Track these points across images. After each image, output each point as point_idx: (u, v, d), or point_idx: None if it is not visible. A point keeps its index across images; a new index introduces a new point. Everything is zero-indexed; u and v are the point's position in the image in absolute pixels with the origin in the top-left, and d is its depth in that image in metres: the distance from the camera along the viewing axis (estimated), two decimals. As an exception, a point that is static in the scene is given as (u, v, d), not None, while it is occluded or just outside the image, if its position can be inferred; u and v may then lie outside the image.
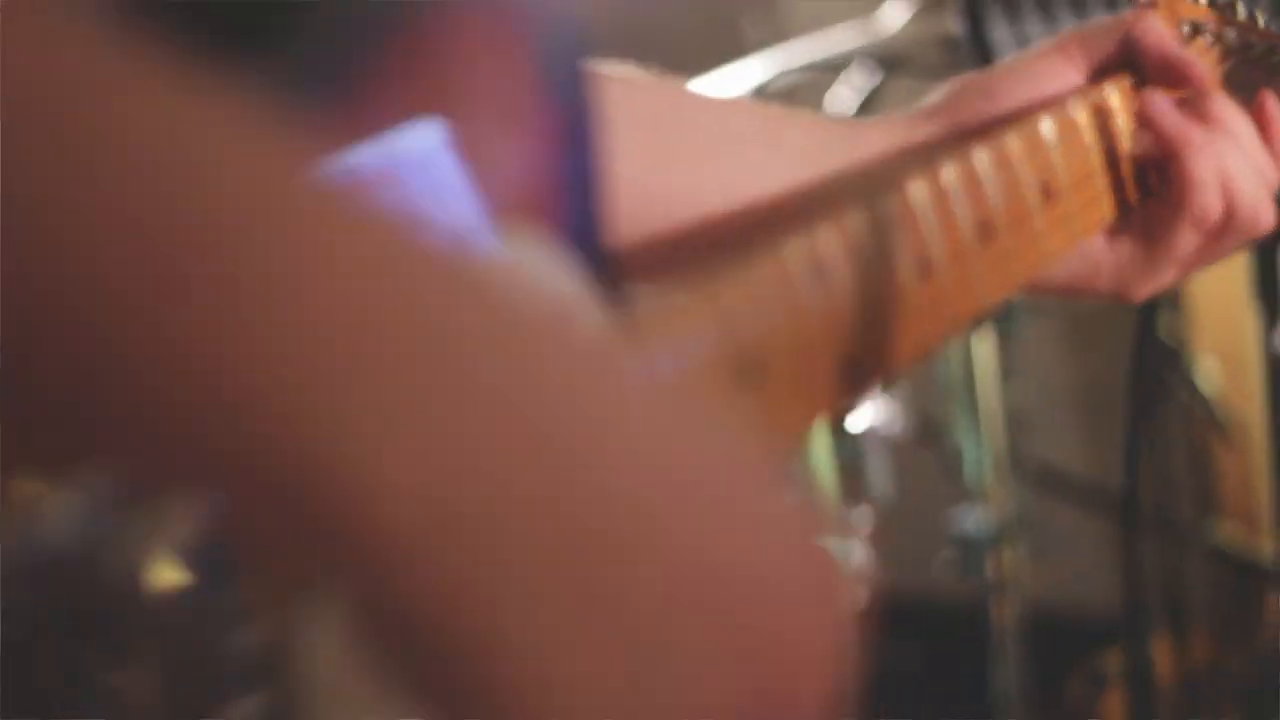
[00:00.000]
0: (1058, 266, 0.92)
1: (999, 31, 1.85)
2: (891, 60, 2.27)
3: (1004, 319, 2.17)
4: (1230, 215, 0.92)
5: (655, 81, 0.92)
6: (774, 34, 2.83)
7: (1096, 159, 0.91)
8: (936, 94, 0.96)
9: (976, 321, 0.87)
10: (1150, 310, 1.96)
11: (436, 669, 0.40)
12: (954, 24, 2.05)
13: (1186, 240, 0.93)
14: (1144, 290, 0.96)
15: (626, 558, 0.41)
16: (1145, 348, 1.94)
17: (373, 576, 0.39)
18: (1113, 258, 0.95)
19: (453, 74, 0.59)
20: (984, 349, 2.16)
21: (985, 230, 0.80)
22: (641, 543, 0.42)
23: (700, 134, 0.90)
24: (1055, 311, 2.39)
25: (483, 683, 0.40)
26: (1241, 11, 1.05)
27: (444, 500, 0.39)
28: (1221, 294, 3.02)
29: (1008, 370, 2.20)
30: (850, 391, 0.72)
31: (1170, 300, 2.95)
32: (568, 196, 0.64)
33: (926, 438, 2.33)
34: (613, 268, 0.66)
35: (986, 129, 0.88)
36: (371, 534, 0.38)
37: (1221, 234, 0.93)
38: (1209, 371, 2.47)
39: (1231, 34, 1.03)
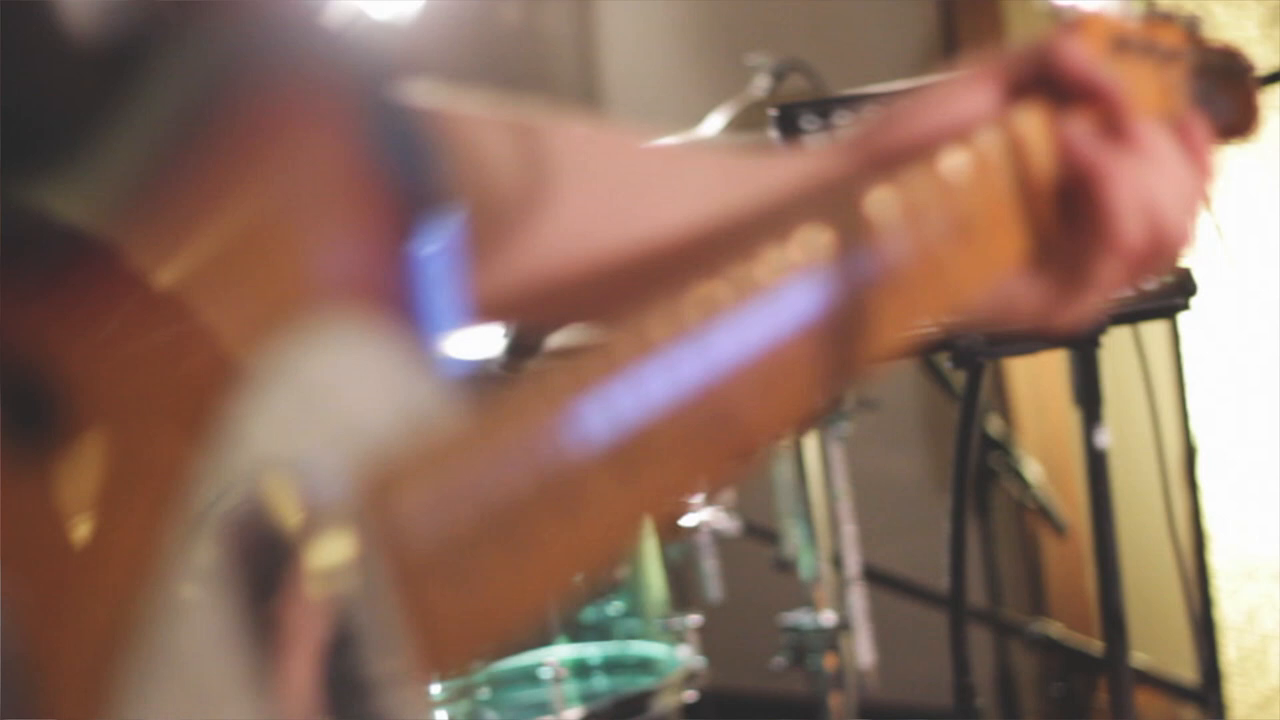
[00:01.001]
0: (975, 299, 0.87)
1: (814, 139, 1.90)
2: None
3: (832, 416, 2.20)
4: (1153, 240, 0.88)
5: (562, 125, 0.88)
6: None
7: (1011, 188, 0.86)
8: (853, 125, 0.91)
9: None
10: (970, 409, 2.00)
11: None
12: (770, 136, 2.10)
13: (1108, 268, 0.89)
14: (1068, 317, 0.91)
15: None
16: (966, 445, 1.98)
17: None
18: (1034, 287, 0.90)
19: (286, 158, 0.60)
20: (813, 447, 2.19)
21: (893, 277, 0.77)
22: None
23: (600, 176, 0.87)
24: (883, 408, 2.42)
25: None
26: (1180, 23, 1.01)
27: None
28: (1043, 396, 3.10)
29: (838, 468, 2.22)
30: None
31: (997, 403, 3.02)
32: (414, 269, 0.64)
33: (757, 537, 2.34)
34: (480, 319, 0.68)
35: (900, 159, 0.84)
36: None
37: (1145, 259, 0.89)
38: (1033, 471, 2.52)
39: (1167, 47, 0.98)
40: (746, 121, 2.53)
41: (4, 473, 0.48)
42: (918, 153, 0.84)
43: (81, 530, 0.50)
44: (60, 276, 0.51)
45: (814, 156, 0.91)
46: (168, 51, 0.57)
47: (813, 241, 0.73)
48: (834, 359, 0.74)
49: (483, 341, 1.85)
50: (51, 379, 0.50)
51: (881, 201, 0.77)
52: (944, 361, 2.29)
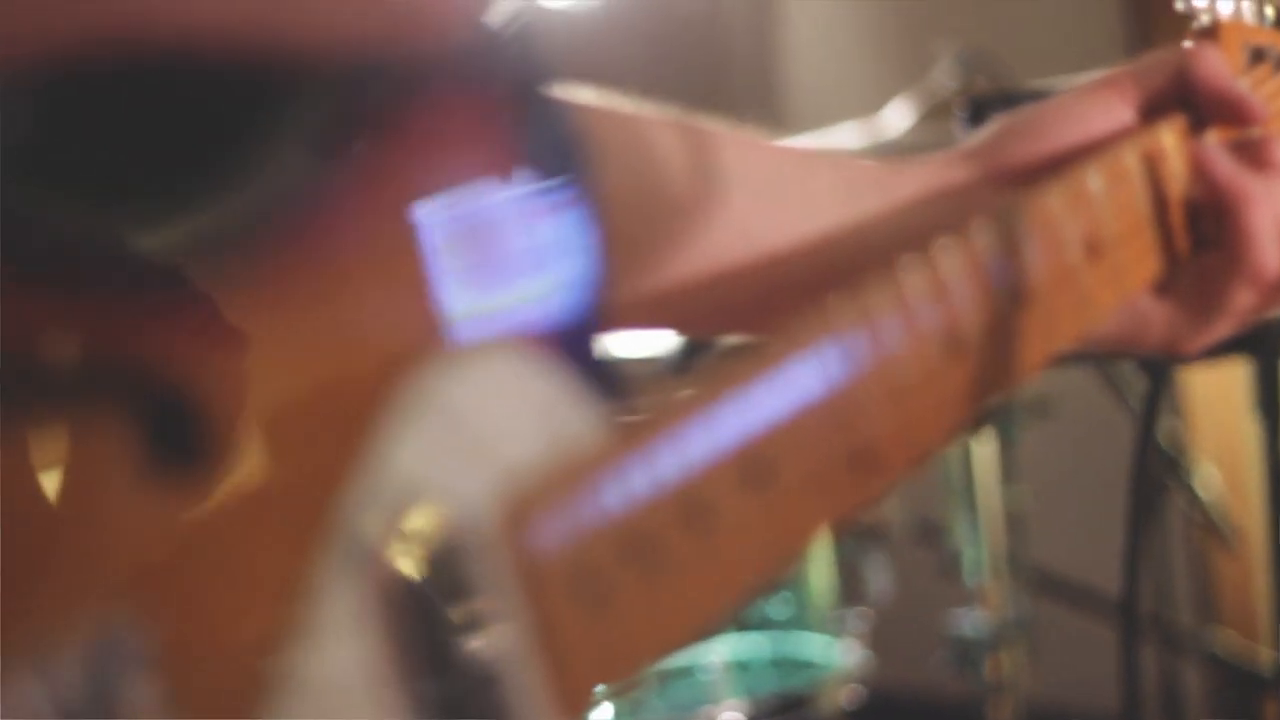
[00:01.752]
0: (1104, 323, 0.84)
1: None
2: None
3: (1004, 421, 2.17)
4: None
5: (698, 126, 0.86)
6: (775, 130, 2.85)
7: (1146, 209, 0.83)
8: (980, 133, 0.88)
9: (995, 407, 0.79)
10: (1150, 414, 1.96)
11: None
12: (957, 130, 2.07)
13: (1243, 295, 0.85)
14: (1197, 345, 0.88)
15: None
16: (1145, 452, 1.94)
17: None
18: (1163, 312, 0.87)
19: (435, 171, 0.59)
20: (984, 450, 2.17)
21: (1022, 295, 0.74)
22: None
23: (757, 182, 0.85)
24: (1056, 414, 2.39)
25: None
26: None
27: None
28: (1221, 401, 3.03)
29: (1008, 472, 2.20)
30: (861, 488, 0.69)
31: (1171, 406, 2.96)
32: (561, 286, 0.63)
33: (925, 538, 2.33)
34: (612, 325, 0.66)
35: (1030, 173, 0.83)
36: None
37: None
38: (1209, 477, 2.47)
39: None
40: (929, 112, 2.50)
41: (147, 498, 0.48)
42: (1051, 167, 0.82)
43: (223, 555, 0.50)
44: (210, 294, 0.51)
45: (940, 166, 0.87)
46: (327, 56, 0.56)
47: (945, 255, 0.71)
48: (969, 376, 0.72)
49: (653, 340, 1.85)
50: (197, 401, 0.49)
51: (1015, 216, 0.75)
52: (1121, 366, 2.25)
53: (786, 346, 0.65)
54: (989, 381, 0.73)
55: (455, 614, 0.55)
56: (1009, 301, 0.74)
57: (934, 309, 0.70)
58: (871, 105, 2.65)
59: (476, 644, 0.56)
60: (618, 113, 0.81)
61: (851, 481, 0.67)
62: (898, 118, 2.53)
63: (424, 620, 0.55)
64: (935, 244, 0.71)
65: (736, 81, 3.71)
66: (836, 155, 0.91)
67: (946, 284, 0.71)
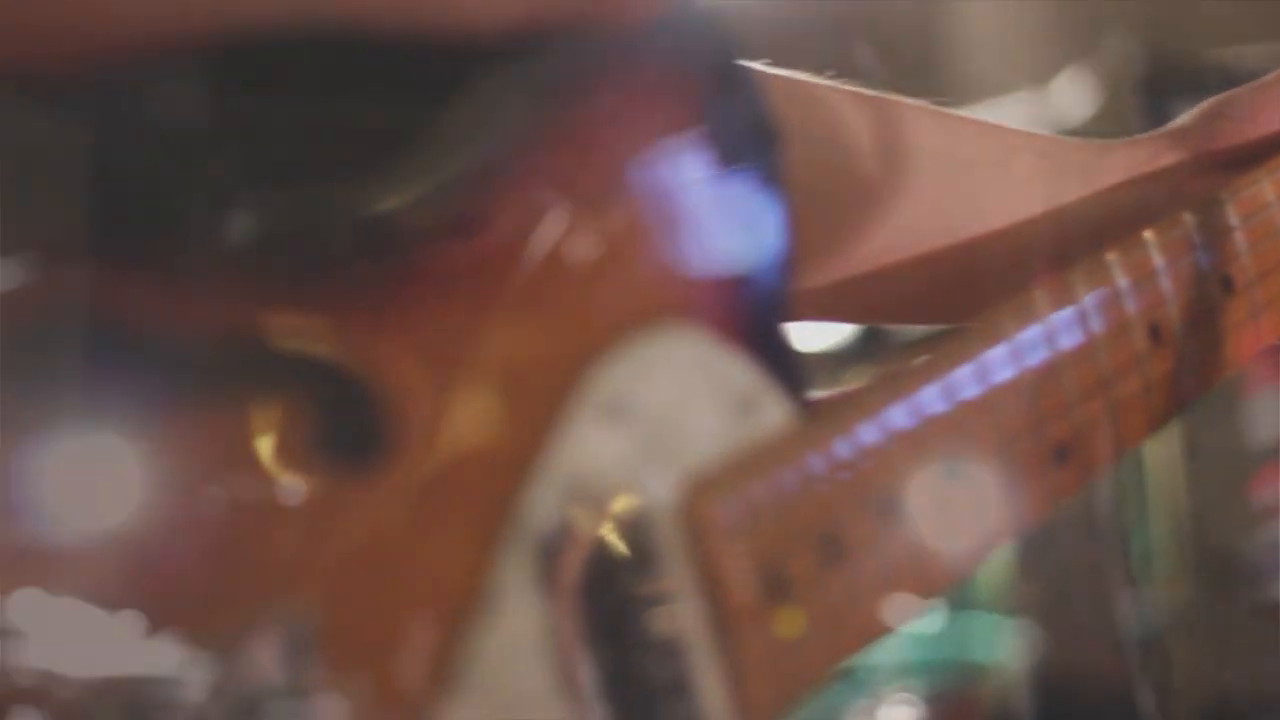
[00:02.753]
0: None
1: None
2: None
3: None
4: None
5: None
6: (943, 100, 2.80)
7: None
8: (1188, 114, 0.85)
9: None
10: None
11: None
12: (1130, 109, 2.03)
13: None
14: None
15: None
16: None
17: None
18: None
19: (628, 141, 0.58)
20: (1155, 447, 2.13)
21: (1232, 283, 0.74)
22: None
23: (944, 162, 0.82)
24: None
25: None
26: None
27: None
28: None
29: (1186, 457, 2.15)
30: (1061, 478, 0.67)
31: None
32: (748, 276, 0.61)
33: (1095, 522, 2.29)
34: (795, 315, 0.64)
35: (1240, 156, 0.80)
36: None
37: None
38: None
39: None
40: (1102, 86, 2.45)
41: (327, 487, 0.47)
42: (1263, 151, 0.80)
43: (402, 546, 0.49)
44: (391, 281, 0.50)
45: (1148, 148, 0.84)
46: (518, 49, 0.55)
47: (1153, 243, 0.70)
48: (1177, 366, 0.71)
49: (827, 332, 1.83)
50: (379, 390, 0.49)
51: (1225, 203, 0.74)
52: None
53: (989, 337, 0.64)
54: (1198, 371, 0.72)
55: (636, 609, 0.55)
56: (1218, 290, 0.73)
57: (1142, 298, 0.69)
58: (1041, 77, 2.59)
59: (657, 643, 0.55)
60: (802, 89, 0.79)
61: (1054, 474, 0.66)
62: (1068, 90, 2.48)
63: (604, 615, 0.54)
64: (1144, 232, 0.70)
65: (896, 50, 3.66)
66: (1038, 135, 0.88)
67: (1154, 273, 0.70)
